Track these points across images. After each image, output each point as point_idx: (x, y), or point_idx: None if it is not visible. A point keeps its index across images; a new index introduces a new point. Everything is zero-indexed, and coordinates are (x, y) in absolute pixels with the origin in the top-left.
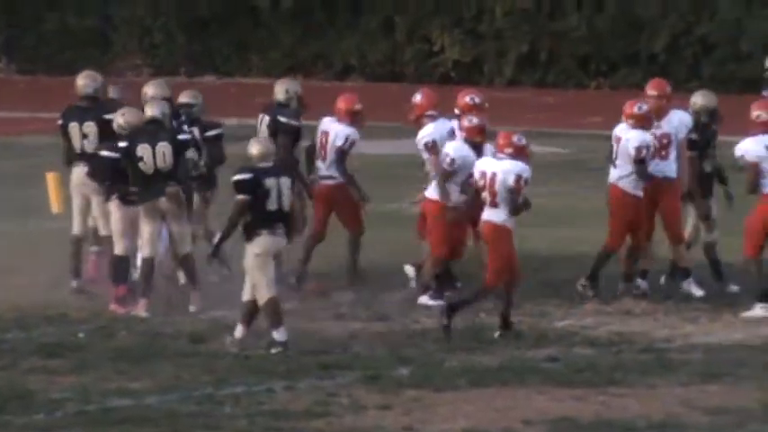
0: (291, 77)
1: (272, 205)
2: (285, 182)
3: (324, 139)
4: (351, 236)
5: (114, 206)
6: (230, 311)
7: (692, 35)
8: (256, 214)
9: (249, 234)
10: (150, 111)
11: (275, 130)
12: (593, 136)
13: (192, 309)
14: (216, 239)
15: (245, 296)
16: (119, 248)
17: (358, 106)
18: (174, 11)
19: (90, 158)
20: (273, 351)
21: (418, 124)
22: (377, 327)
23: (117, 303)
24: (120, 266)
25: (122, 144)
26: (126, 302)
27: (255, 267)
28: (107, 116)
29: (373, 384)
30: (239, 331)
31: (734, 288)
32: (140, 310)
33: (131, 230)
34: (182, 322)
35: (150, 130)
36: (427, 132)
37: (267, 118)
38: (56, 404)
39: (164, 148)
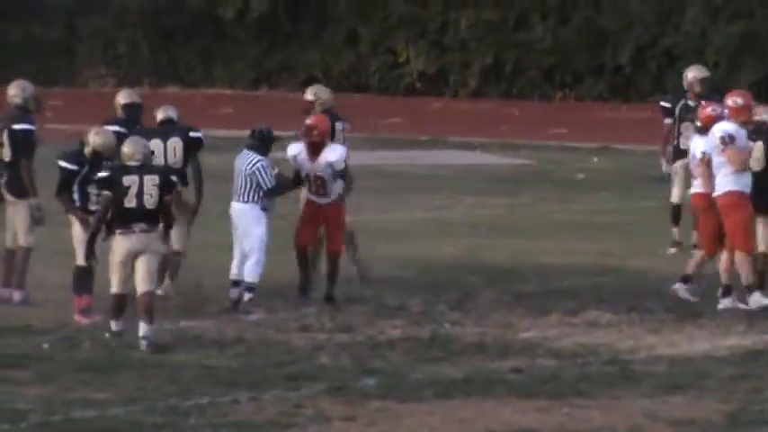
0: None
1: (129, 203)
2: (150, 179)
3: None
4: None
5: (74, 216)
6: (195, 322)
7: (658, 47)
8: (115, 211)
9: (108, 232)
10: (163, 113)
11: None
12: (558, 147)
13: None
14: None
15: (112, 289)
16: (81, 258)
17: None
18: (139, 21)
19: (5, 168)
20: (107, 335)
21: None
22: (342, 338)
23: (80, 314)
24: (83, 277)
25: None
26: (89, 313)
27: (112, 263)
28: (17, 126)
29: (338, 396)
30: (114, 325)
31: None
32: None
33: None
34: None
35: (163, 129)
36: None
37: None
38: (20, 415)
39: (175, 143)
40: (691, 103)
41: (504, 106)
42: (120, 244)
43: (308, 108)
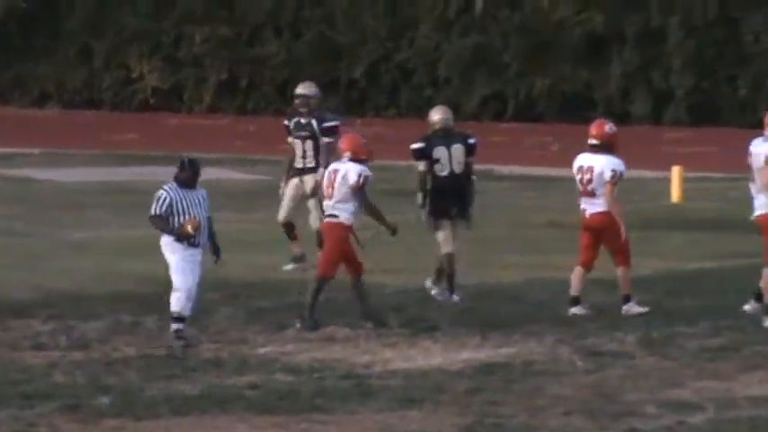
0: None
1: None
2: None
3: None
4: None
5: None
6: None
7: (391, 61)
8: None
9: None
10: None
11: None
12: None
13: None
14: None
15: None
16: None
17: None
18: None
19: None
20: None
21: None
22: (77, 355)
23: None
24: None
25: None
26: None
27: None
28: None
29: (73, 414)
30: None
31: None
32: None
33: None
34: None
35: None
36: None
37: None
38: None
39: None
40: (302, 120)
41: (240, 122)
42: None
43: None
